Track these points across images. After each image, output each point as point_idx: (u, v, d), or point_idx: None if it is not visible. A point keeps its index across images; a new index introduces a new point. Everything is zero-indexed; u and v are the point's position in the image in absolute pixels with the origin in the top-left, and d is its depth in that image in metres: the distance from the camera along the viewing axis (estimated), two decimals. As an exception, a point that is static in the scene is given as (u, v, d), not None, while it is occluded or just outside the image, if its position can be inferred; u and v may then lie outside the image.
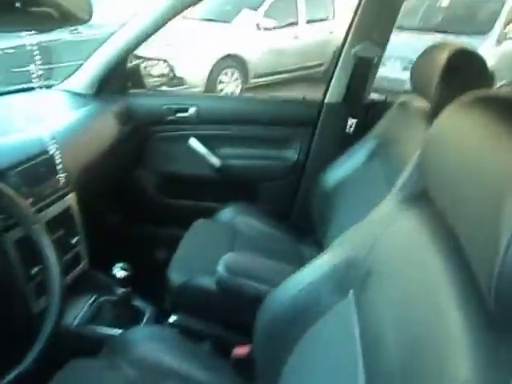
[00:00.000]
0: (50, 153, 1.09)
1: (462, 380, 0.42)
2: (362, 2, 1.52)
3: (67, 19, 0.91)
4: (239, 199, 1.69)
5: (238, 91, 5.68)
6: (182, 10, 1.54)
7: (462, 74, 1.03)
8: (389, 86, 4.82)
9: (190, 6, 1.56)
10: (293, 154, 1.74)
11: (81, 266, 1.25)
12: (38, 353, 0.88)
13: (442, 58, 1.04)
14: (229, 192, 1.80)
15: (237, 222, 1.58)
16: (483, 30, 5.35)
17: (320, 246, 1.48)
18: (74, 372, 0.94)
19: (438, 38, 5.29)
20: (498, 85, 4.99)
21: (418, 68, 1.22)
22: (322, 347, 0.78)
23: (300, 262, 1.46)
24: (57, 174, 1.12)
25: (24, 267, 1.03)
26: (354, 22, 1.55)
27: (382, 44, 1.53)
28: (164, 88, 1.81)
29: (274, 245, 1.52)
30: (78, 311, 1.20)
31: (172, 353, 1.00)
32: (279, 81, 6.18)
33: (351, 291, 0.77)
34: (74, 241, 1.20)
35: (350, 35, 1.56)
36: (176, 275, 1.27)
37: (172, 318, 1.15)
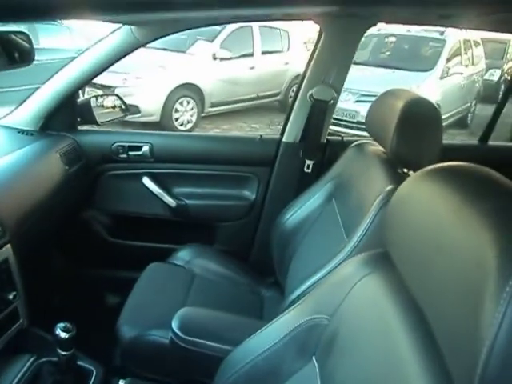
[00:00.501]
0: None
1: None
2: (318, 46, 1.54)
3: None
4: (195, 240, 1.63)
5: (193, 120, 5.65)
6: (138, 47, 1.50)
7: (418, 123, 1.05)
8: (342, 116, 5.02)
9: (146, 44, 1.52)
10: (251, 193, 1.71)
11: (18, 323, 1.13)
12: None
13: (398, 106, 1.05)
14: (185, 233, 1.74)
15: (193, 265, 1.51)
16: (427, 66, 5.68)
17: (279, 288, 1.44)
18: None
19: (387, 72, 5.57)
20: (444, 117, 5.27)
21: (373, 114, 1.23)
22: None
23: (260, 309, 1.43)
24: (-10, 225, 1.01)
25: None
26: (311, 65, 1.56)
27: (338, 87, 1.55)
28: (122, 119, 1.74)
29: (232, 290, 1.47)
30: (13, 377, 1.07)
31: None
32: (235, 110, 6.22)
33: (314, 357, 0.73)
34: (10, 296, 1.08)
35: (306, 78, 1.57)
36: (127, 328, 1.19)
37: (122, 383, 1.05)
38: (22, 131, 1.50)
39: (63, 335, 1.00)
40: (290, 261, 1.39)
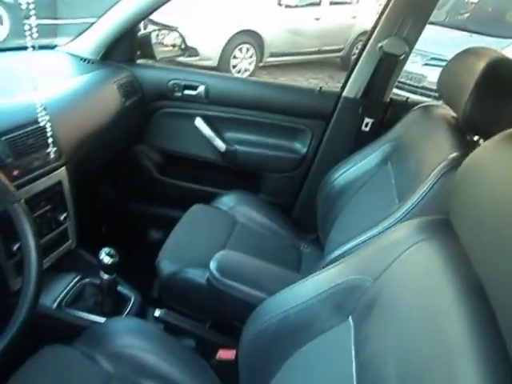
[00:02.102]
0: (41, 123, 1.01)
1: None
2: (395, -7, 1.41)
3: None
4: (241, 187, 1.63)
5: (251, 68, 5.53)
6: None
7: (499, 86, 0.94)
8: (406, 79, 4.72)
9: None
10: (302, 146, 1.66)
11: (67, 244, 1.18)
12: (9, 339, 0.83)
13: (478, 66, 0.95)
14: (231, 179, 1.73)
15: (236, 212, 1.51)
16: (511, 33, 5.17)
17: (320, 246, 1.42)
18: (48, 359, 0.90)
19: (463, 35, 5.14)
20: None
21: (447, 73, 1.12)
22: (311, 374, 0.72)
23: (298, 261, 1.42)
24: (47, 146, 1.03)
25: (4, 244, 0.97)
26: (384, 15, 1.43)
27: (411, 41, 1.42)
28: (178, 58, 1.71)
29: (273, 241, 1.46)
30: (59, 293, 1.14)
31: (153, 350, 0.95)
32: (295, 62, 6.02)
33: (350, 317, 0.71)
34: (61, 217, 1.13)
35: (378, 28, 1.45)
36: (166, 264, 1.22)
37: (157, 312, 1.09)
38: (83, 59, 1.51)
39: (107, 259, 1.04)
40: (334, 220, 1.36)
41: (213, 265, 1.03)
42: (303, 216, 1.68)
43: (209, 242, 1.32)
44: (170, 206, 1.74)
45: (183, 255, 1.24)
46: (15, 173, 0.95)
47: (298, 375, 0.75)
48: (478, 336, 0.47)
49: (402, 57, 1.42)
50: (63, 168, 1.11)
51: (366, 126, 1.53)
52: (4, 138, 0.94)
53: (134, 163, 1.76)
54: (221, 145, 1.65)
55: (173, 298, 1.22)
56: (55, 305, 1.11)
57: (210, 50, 5.09)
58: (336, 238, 1.28)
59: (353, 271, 0.73)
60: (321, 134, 1.61)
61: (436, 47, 4.65)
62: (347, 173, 1.38)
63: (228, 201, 1.55)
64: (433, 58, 4.69)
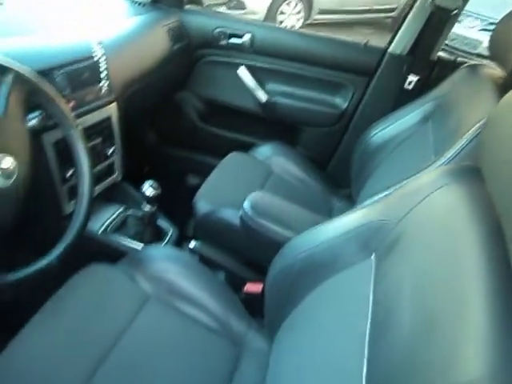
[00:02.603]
0: (96, 59, 1.07)
1: (472, 377, 0.39)
2: None
3: None
4: (279, 139, 1.66)
5: (298, 25, 5.39)
6: None
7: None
8: (461, 44, 4.48)
9: None
10: (343, 101, 1.66)
11: (113, 176, 1.27)
12: (62, 250, 0.91)
13: None
14: (269, 130, 1.76)
15: (272, 162, 1.55)
16: None
17: (352, 202, 1.45)
18: (93, 275, 0.98)
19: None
20: None
21: (500, 31, 1.09)
22: (331, 305, 0.77)
23: (328, 214, 1.45)
24: (100, 81, 1.10)
25: (59, 169, 1.05)
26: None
27: (465, -4, 1.37)
28: (222, 9, 1.72)
29: (305, 193, 1.50)
30: (105, 220, 1.24)
31: (187, 276, 1.02)
32: (343, 21, 5.80)
33: (374, 254, 0.75)
34: (109, 151, 1.21)
35: (432, -21, 1.40)
36: (202, 204, 1.28)
37: (192, 244, 1.17)
38: (135, 1, 1.54)
39: (150, 191, 1.11)
40: (367, 176, 1.37)
41: (247, 203, 1.08)
42: (338, 172, 1.70)
43: (244, 186, 1.37)
44: (209, 153, 1.80)
45: (219, 197, 1.30)
46: (71, 104, 1.02)
47: (319, 306, 0.80)
48: (493, 280, 0.48)
49: (455, 12, 1.38)
50: (113, 104, 1.17)
51: (410, 83, 1.50)
52: (62, 70, 1.01)
53: (177, 109, 1.81)
54: (262, 95, 1.67)
55: (207, 236, 1.29)
56: (101, 231, 1.21)
57: (257, 4, 4.99)
58: (367, 192, 1.30)
59: (379, 214, 0.76)
60: (362, 90, 1.60)
61: (497, 11, 4.37)
62: (385, 130, 1.38)
63: (265, 151, 1.58)
64: (491, 23, 4.42)
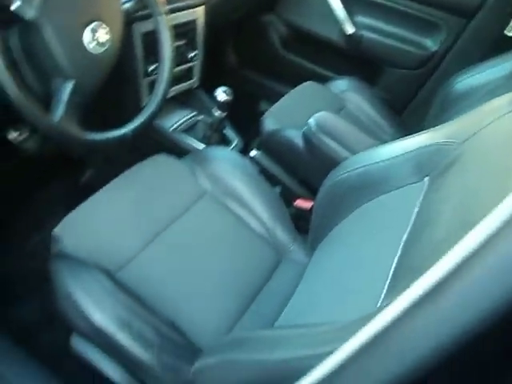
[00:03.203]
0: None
1: None
2: None
3: None
4: (358, 75, 1.61)
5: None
6: None
7: None
8: None
9: None
10: (433, 44, 1.56)
11: (190, 81, 1.32)
12: (137, 125, 0.97)
13: None
14: (350, 65, 1.71)
15: (346, 97, 1.53)
16: None
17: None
18: (158, 163, 1.05)
19: None
20: None
21: None
22: (374, 221, 0.78)
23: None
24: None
25: (144, 62, 1.12)
26: None
27: None
28: None
29: (374, 133, 1.46)
30: (176, 120, 1.31)
31: (244, 181, 1.06)
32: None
33: (427, 177, 0.74)
34: (191, 55, 1.25)
35: None
36: (270, 122, 1.31)
37: (253, 152, 1.21)
38: None
39: (222, 96, 1.15)
40: (443, 122, 1.32)
41: (312, 120, 1.09)
42: (413, 118, 1.63)
43: (313, 112, 1.37)
44: (285, 81, 1.79)
45: (287, 117, 1.32)
46: (164, -2, 1.07)
47: (361, 222, 0.82)
48: None
49: None
50: (201, 7, 1.20)
51: (511, 30, 1.37)
52: None
53: (260, 32, 1.80)
54: (349, 27, 1.62)
55: (269, 152, 1.33)
56: (171, 128, 1.29)
57: None
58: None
59: (443, 135, 0.74)
60: (456, 33, 1.49)
61: None
62: (472, 78, 1.29)
63: (341, 85, 1.56)
64: None
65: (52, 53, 0.76)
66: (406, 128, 1.57)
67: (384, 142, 1.39)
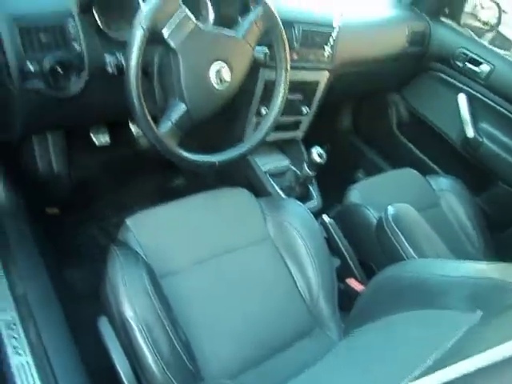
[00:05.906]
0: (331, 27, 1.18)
1: None
2: None
3: None
4: (465, 179, 1.54)
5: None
6: None
7: None
8: None
9: None
10: None
11: (295, 132, 1.39)
12: (227, 158, 1.02)
13: None
14: (460, 165, 1.65)
15: (443, 195, 1.45)
16: None
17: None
18: (238, 194, 1.09)
19: None
20: None
21: None
22: (408, 335, 0.74)
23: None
24: (326, 48, 1.21)
25: (260, 103, 1.22)
26: None
27: None
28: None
29: (459, 244, 1.38)
30: (270, 163, 1.37)
31: (308, 242, 1.04)
32: None
33: (479, 311, 0.69)
34: (304, 110, 1.33)
35: None
36: (354, 194, 1.33)
37: (326, 218, 1.23)
38: None
39: (316, 157, 1.17)
40: None
41: (391, 209, 1.08)
42: None
43: (399, 200, 1.34)
44: (390, 160, 1.80)
45: (373, 196, 1.32)
46: (294, 56, 1.16)
47: (393, 331, 0.78)
48: None
49: None
50: (326, 72, 1.28)
51: None
52: (300, 26, 1.16)
53: (381, 109, 1.84)
54: (470, 129, 1.57)
55: (342, 225, 1.31)
56: (263, 169, 1.35)
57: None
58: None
59: (502, 273, 0.70)
60: None
61: None
62: None
63: (443, 183, 1.49)
64: None
65: (179, 77, 0.88)
66: (501, 249, 1.45)
67: (460, 254, 1.31)
